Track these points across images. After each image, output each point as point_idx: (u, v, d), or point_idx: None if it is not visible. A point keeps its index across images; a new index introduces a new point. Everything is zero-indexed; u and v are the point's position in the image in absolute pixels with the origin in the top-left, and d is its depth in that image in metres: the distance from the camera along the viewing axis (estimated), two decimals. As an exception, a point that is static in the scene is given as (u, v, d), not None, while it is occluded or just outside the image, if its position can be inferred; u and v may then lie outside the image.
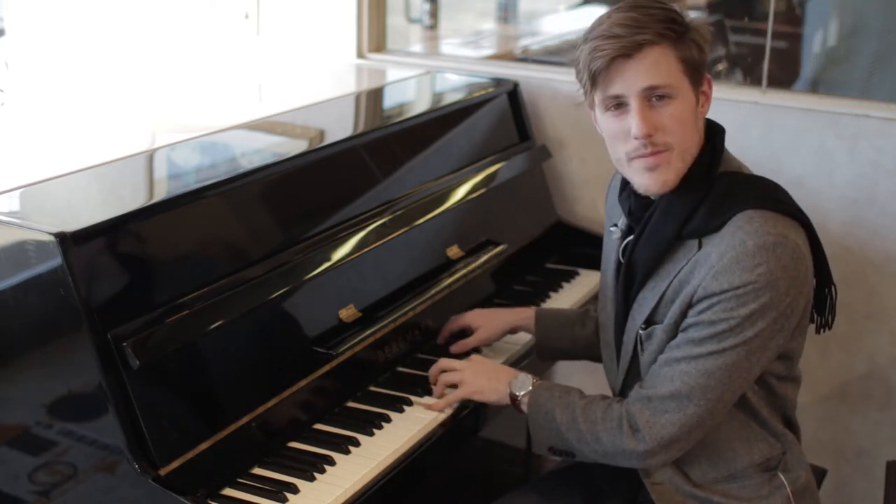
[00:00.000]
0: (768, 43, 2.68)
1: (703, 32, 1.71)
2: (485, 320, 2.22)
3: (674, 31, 1.66)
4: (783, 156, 2.58)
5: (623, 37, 1.64)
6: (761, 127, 2.59)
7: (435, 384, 2.03)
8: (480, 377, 1.96)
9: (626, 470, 1.83)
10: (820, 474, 2.10)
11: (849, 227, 2.54)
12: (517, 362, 2.22)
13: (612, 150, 1.74)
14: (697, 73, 1.71)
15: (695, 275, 1.68)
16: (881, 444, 2.66)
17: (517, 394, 1.89)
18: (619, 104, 1.69)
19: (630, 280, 1.79)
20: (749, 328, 1.64)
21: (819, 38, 3.07)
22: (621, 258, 1.83)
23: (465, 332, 2.23)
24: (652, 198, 1.76)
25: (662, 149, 1.68)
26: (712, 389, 1.67)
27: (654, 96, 1.66)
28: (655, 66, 1.65)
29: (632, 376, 1.82)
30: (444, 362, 2.04)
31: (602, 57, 1.65)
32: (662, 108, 1.67)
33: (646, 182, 1.71)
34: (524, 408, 1.87)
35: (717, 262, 1.64)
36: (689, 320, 1.69)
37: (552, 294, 2.54)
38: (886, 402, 2.63)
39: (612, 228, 1.89)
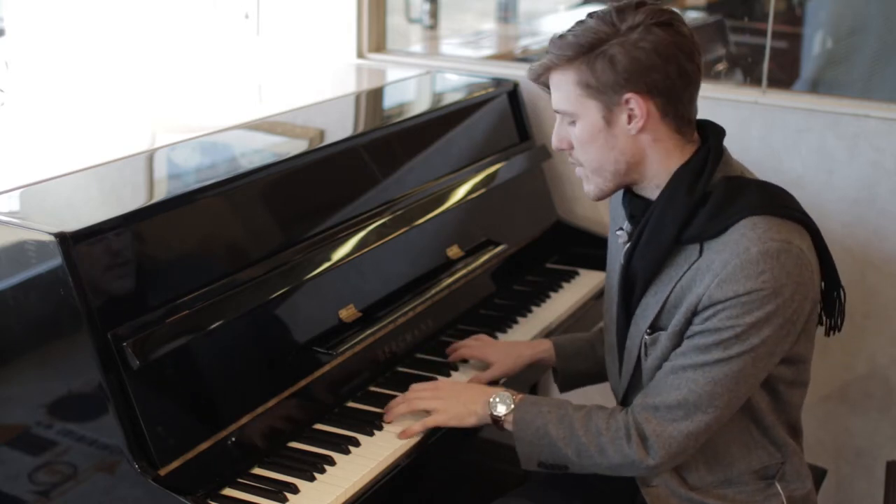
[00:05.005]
0: (768, 43, 2.68)
1: (633, 44, 1.61)
2: (501, 355, 2.12)
3: (574, 52, 1.65)
4: (783, 156, 2.57)
5: (541, 58, 1.73)
6: (761, 127, 2.59)
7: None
8: (453, 402, 1.88)
9: (624, 471, 1.83)
10: (820, 474, 2.10)
11: (849, 228, 2.54)
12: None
13: None
14: (604, 94, 1.65)
15: (697, 282, 1.66)
16: (881, 444, 2.66)
17: (498, 414, 1.83)
18: None
19: (630, 284, 1.78)
20: (755, 335, 1.62)
21: (819, 38, 3.08)
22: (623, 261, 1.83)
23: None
24: (649, 199, 1.76)
25: (577, 164, 1.76)
26: (719, 396, 1.66)
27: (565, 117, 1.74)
28: (556, 90, 1.72)
29: (635, 380, 1.81)
30: (411, 391, 1.95)
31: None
32: (571, 129, 1.73)
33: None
34: (508, 426, 1.82)
35: (721, 269, 1.62)
36: (694, 328, 1.67)
37: (552, 294, 2.54)
38: (886, 402, 2.63)
39: (619, 232, 1.85)
